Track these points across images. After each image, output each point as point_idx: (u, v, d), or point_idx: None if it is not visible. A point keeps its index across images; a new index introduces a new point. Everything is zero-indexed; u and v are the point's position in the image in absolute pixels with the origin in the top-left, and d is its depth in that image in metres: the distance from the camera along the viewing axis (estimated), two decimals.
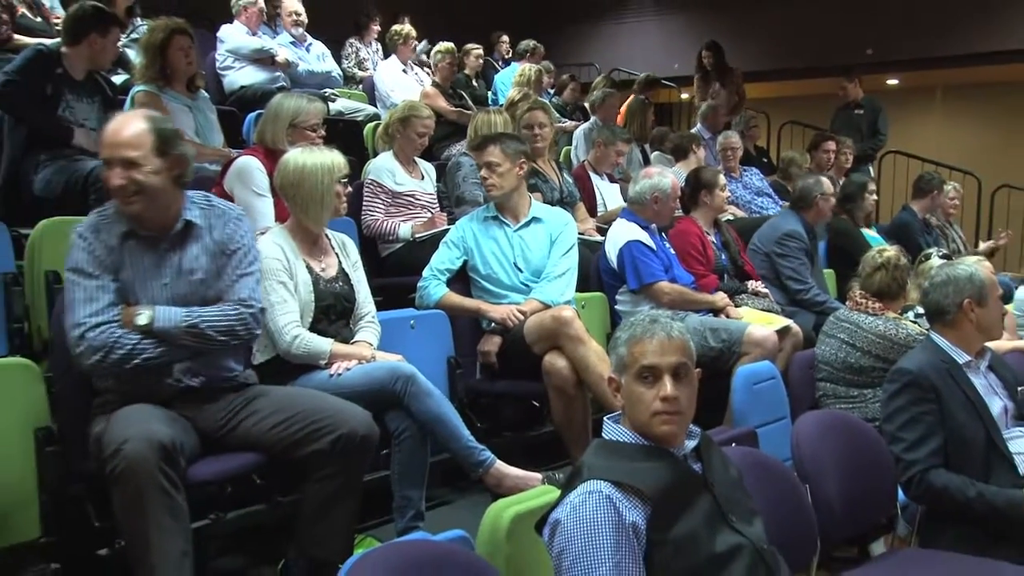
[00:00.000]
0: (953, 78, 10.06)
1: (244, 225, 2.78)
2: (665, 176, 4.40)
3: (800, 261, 4.89)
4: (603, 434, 2.06)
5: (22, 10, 5.01)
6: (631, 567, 1.81)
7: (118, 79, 4.76)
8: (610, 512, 1.83)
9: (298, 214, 3.12)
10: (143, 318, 2.53)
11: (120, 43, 5.51)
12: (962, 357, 2.94)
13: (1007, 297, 5.63)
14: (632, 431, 2.00)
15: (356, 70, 7.16)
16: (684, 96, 11.07)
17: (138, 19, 5.78)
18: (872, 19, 9.36)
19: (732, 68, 8.28)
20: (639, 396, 1.96)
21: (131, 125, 2.55)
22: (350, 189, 3.18)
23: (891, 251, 3.87)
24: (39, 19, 5.25)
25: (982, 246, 7.28)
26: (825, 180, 5.20)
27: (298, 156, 3.13)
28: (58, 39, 4.21)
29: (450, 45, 6.72)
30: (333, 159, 3.11)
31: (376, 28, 7.57)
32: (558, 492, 2.40)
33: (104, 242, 2.56)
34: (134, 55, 5.04)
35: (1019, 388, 3.03)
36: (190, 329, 2.56)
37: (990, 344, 3.15)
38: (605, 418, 2.08)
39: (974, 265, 3.10)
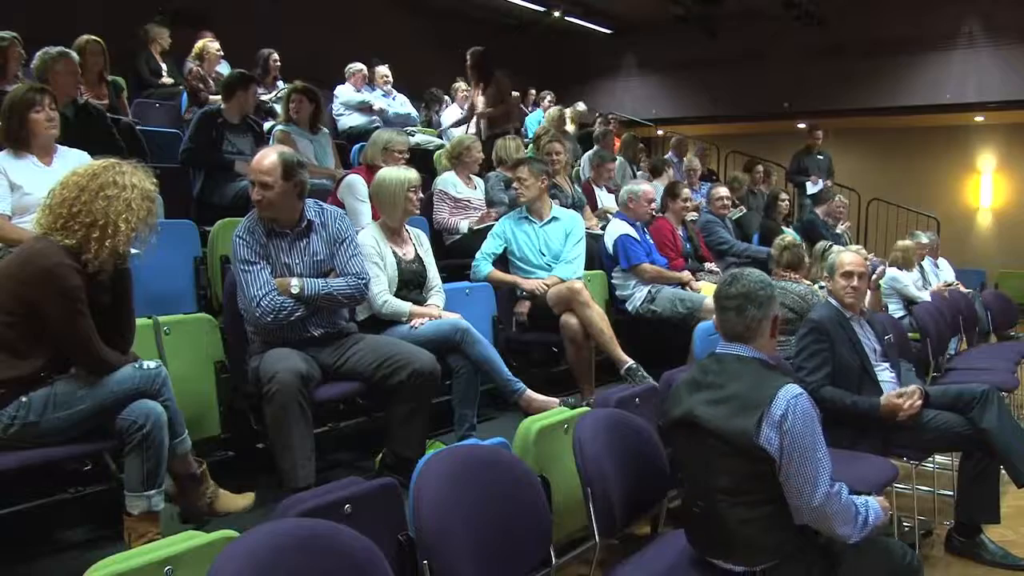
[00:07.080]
0: (840, 124, 10.25)
1: (347, 221, 2.74)
2: (638, 184, 4.38)
3: (721, 228, 5.12)
4: None
5: (211, 81, 5.15)
6: None
7: (268, 124, 4.74)
8: None
9: (381, 213, 3.06)
10: (295, 288, 2.51)
11: (270, 99, 5.55)
12: (848, 312, 2.96)
13: (881, 275, 5.54)
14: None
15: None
16: (659, 132, 10.93)
17: (280, 83, 5.74)
18: (788, 84, 9.71)
19: (497, 76, 5.88)
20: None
21: (267, 158, 2.51)
22: (422, 195, 3.08)
23: (789, 237, 3.89)
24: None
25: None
26: (721, 188, 5.42)
27: (383, 172, 3.08)
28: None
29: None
30: (405, 174, 3.02)
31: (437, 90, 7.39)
32: (571, 411, 2.35)
33: (257, 240, 2.53)
34: (279, 108, 5.03)
35: (886, 337, 3.06)
36: (326, 295, 2.55)
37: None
38: None
39: (835, 255, 3.06)
